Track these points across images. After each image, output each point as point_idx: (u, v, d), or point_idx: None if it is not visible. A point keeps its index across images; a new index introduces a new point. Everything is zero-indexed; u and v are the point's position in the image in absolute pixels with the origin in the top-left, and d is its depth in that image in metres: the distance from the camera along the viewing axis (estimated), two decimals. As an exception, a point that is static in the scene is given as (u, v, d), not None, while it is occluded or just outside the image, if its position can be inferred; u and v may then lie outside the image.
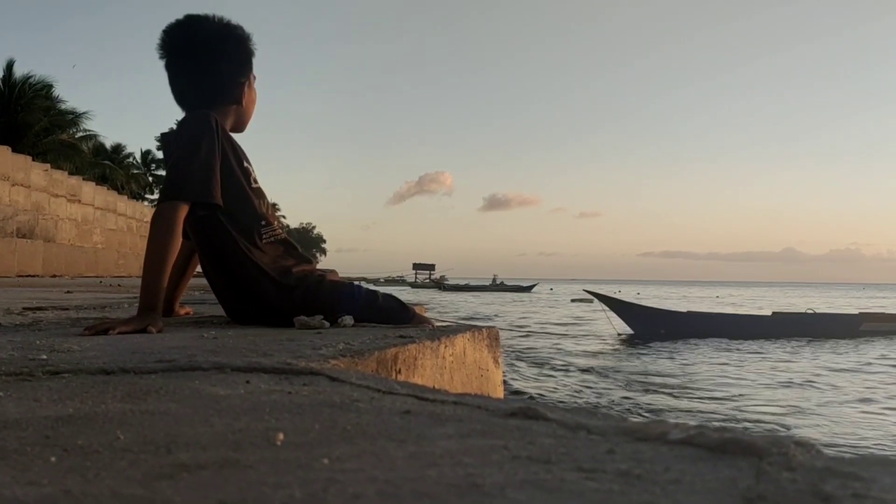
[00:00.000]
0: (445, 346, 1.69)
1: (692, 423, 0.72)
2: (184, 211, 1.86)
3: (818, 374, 8.62)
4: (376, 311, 2.08)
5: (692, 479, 0.54)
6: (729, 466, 0.57)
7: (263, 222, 2.05)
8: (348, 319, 1.97)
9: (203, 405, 0.84)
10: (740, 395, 7.17)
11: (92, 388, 0.96)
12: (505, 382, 2.29)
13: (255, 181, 2.09)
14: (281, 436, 0.68)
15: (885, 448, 5.13)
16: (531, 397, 6.55)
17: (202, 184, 1.88)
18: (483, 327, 2.05)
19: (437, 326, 2.05)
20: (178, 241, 1.86)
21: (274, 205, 2.19)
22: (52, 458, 0.61)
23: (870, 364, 9.94)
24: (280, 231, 2.10)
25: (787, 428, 5.62)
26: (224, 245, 2.00)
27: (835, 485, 0.50)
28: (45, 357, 1.25)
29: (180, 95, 2.09)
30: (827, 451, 0.61)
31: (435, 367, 1.61)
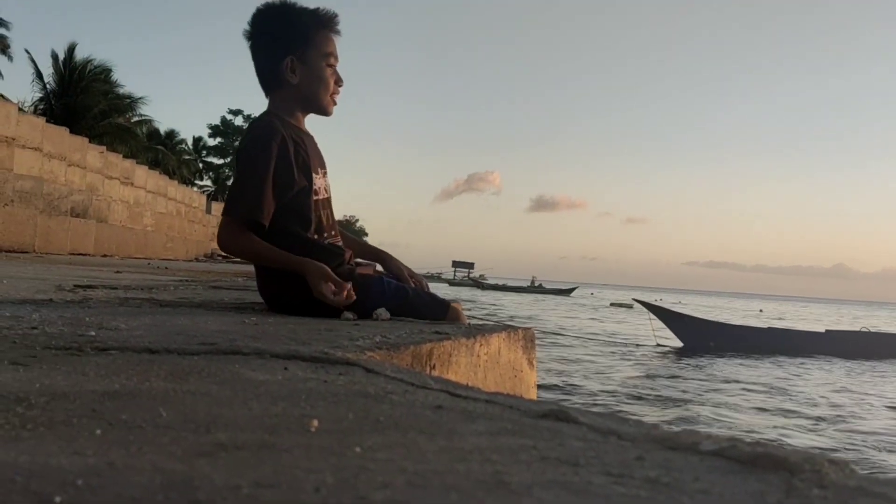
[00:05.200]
0: (480, 345, 1.69)
1: (725, 435, 0.72)
2: (238, 225, 2.01)
3: (868, 397, 8.39)
4: (407, 306, 2.09)
5: (721, 490, 0.54)
6: (759, 480, 0.56)
7: (315, 234, 2.11)
8: (384, 313, 1.98)
9: (242, 388, 0.86)
10: (787, 411, 7.02)
11: (137, 365, 0.99)
12: (538, 385, 2.29)
13: (319, 192, 2.13)
14: (315, 422, 0.69)
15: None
16: (564, 402, 6.51)
17: (252, 206, 1.99)
18: (519, 328, 2.05)
19: (473, 325, 2.06)
20: (249, 240, 2.01)
21: (348, 219, 2.37)
22: (98, 431, 0.63)
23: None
24: (332, 241, 2.16)
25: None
26: (270, 237, 2.05)
27: (866, 505, 0.49)
28: (93, 334, 1.30)
29: (260, 84, 2.18)
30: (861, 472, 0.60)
31: (469, 365, 1.62)
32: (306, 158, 2.09)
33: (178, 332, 1.41)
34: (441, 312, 2.14)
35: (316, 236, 2.10)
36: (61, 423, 0.66)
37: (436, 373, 1.44)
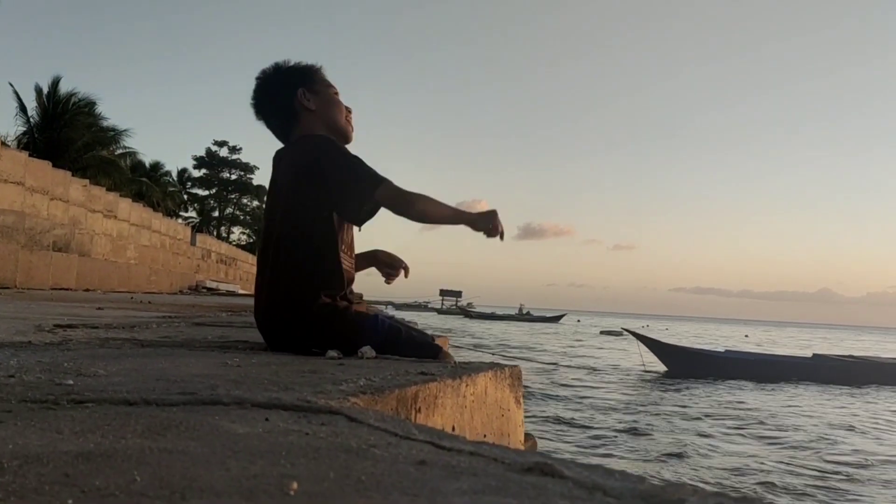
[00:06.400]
0: (467, 385, 1.68)
1: (711, 489, 0.71)
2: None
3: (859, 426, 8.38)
4: (399, 346, 2.07)
5: (707, 556, 0.53)
6: (746, 543, 0.55)
7: (343, 248, 2.13)
8: (369, 351, 1.96)
9: (221, 444, 0.85)
10: (771, 442, 7.00)
11: (114, 419, 0.97)
12: (525, 422, 2.27)
13: None
14: (295, 485, 0.68)
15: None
16: (556, 432, 6.48)
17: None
18: (506, 366, 2.04)
19: (459, 364, 2.04)
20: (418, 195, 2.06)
21: None
22: (70, 501, 0.62)
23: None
24: (349, 266, 2.18)
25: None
26: (298, 252, 2.07)
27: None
28: (70, 382, 1.27)
29: (280, 133, 2.23)
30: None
31: (455, 407, 1.60)
32: None
33: (157, 378, 1.39)
34: (431, 357, 2.11)
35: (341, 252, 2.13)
36: (32, 490, 0.65)
37: (421, 416, 1.43)
